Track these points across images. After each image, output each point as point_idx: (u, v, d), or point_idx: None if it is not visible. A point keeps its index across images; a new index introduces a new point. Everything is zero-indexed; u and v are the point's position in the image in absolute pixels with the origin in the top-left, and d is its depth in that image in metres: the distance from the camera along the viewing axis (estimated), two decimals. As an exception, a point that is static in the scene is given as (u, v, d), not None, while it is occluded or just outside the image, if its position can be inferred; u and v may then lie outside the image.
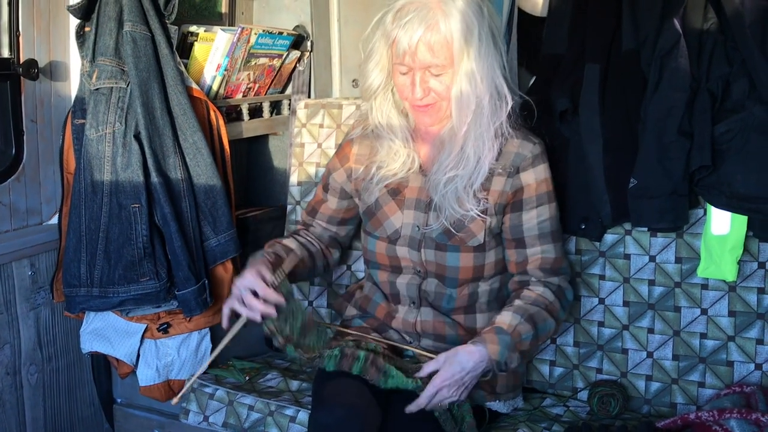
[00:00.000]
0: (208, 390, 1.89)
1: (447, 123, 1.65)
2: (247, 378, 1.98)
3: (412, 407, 1.52)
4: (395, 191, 1.72)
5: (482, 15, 1.55)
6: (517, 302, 1.63)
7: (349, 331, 1.76)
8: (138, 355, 2.02)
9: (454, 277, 1.69)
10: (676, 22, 1.68)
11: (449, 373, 1.51)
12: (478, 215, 1.63)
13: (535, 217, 1.66)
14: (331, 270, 2.01)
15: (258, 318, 1.58)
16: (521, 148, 1.64)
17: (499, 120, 1.61)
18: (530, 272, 1.67)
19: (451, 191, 1.62)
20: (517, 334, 1.55)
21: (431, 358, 1.60)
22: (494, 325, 1.58)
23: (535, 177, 1.65)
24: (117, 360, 2.03)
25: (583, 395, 1.87)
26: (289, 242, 1.80)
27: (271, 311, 1.57)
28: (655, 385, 1.82)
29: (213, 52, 2.03)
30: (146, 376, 2.02)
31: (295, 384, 1.95)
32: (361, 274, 2.07)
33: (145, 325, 1.98)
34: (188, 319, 1.97)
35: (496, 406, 1.72)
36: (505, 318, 1.58)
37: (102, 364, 2.17)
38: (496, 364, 1.53)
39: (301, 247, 1.80)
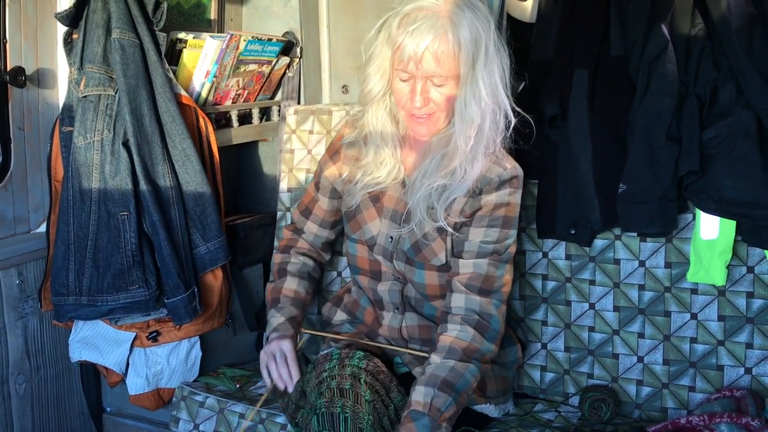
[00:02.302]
0: (199, 398, 1.88)
1: (439, 133, 1.62)
2: (238, 386, 1.97)
3: None
4: (376, 198, 1.72)
5: (489, 28, 1.52)
6: (429, 368, 1.51)
7: (340, 337, 1.76)
8: (127, 364, 2.00)
9: (423, 292, 1.70)
10: (664, 28, 1.69)
11: None
12: (446, 228, 1.59)
13: (480, 236, 1.58)
14: (323, 273, 2.01)
15: (281, 387, 1.65)
16: (489, 171, 1.58)
17: (498, 137, 1.57)
18: (454, 286, 1.58)
19: (424, 198, 1.58)
20: (436, 410, 1.43)
21: (424, 357, 1.62)
22: (410, 408, 1.45)
23: (496, 199, 1.58)
24: (106, 369, 2.01)
25: (575, 400, 1.87)
26: (290, 284, 1.82)
27: (290, 388, 1.65)
28: (645, 390, 1.82)
29: (202, 58, 2.02)
30: (136, 384, 2.00)
31: (285, 391, 1.94)
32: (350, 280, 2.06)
33: (135, 334, 1.97)
34: (178, 327, 1.95)
35: (487, 409, 1.72)
36: (419, 396, 1.45)
37: (91, 373, 2.16)
38: None
39: (301, 280, 1.83)
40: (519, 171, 1.61)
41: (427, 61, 1.48)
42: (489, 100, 1.52)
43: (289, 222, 2.19)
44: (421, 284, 1.67)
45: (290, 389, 1.64)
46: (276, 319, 1.74)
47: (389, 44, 1.54)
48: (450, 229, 1.59)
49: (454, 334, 1.53)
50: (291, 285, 1.81)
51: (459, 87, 1.52)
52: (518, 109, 1.60)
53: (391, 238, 1.69)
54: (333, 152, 1.82)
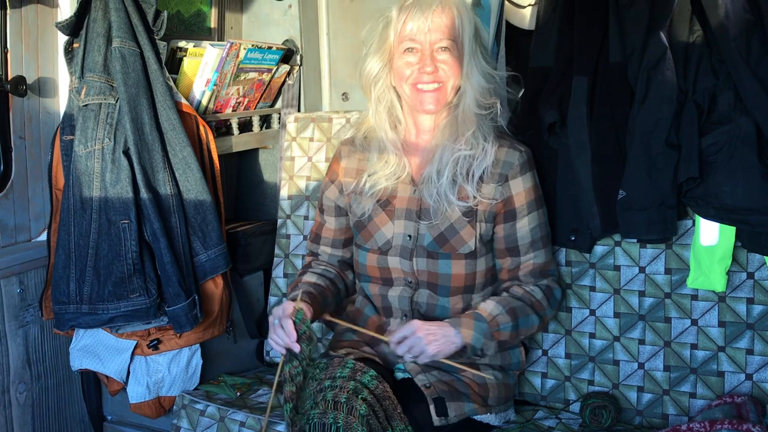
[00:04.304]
0: (199, 406, 1.88)
1: (443, 118, 1.71)
2: (239, 394, 1.97)
3: (392, 339, 1.59)
4: (385, 202, 1.74)
5: (473, 15, 1.68)
6: (503, 295, 1.70)
7: (356, 328, 1.74)
8: (128, 372, 2.00)
9: (446, 285, 1.70)
10: (663, 35, 1.70)
11: (425, 324, 1.58)
12: (479, 198, 1.67)
13: (527, 225, 1.71)
14: (350, 291, 1.94)
15: (281, 351, 1.60)
16: (508, 156, 1.69)
17: (496, 104, 1.69)
18: (521, 278, 1.73)
19: (450, 178, 1.66)
20: (496, 323, 1.62)
21: (426, 366, 1.63)
22: (474, 310, 1.64)
23: (524, 185, 1.70)
24: (107, 377, 2.02)
25: (576, 407, 1.87)
26: (309, 277, 1.81)
27: (292, 346, 1.58)
28: (646, 397, 1.82)
29: (202, 67, 2.03)
30: (136, 393, 2.00)
31: (286, 399, 1.94)
32: (352, 288, 2.07)
33: (135, 342, 1.97)
34: (178, 335, 1.95)
35: (488, 418, 1.72)
36: (487, 306, 1.65)
37: (92, 381, 2.16)
38: (471, 349, 1.60)
39: (321, 276, 1.82)
40: (530, 152, 1.75)
41: (436, 24, 1.63)
42: (486, 69, 1.69)
43: (290, 230, 2.20)
44: (447, 275, 1.69)
45: (294, 348, 1.57)
46: (291, 295, 1.74)
47: (390, 28, 1.68)
48: (486, 200, 1.68)
49: (528, 289, 1.71)
50: (310, 278, 1.81)
51: (460, 59, 1.65)
52: (508, 89, 1.79)
53: (409, 236, 1.70)
54: (331, 172, 1.86)
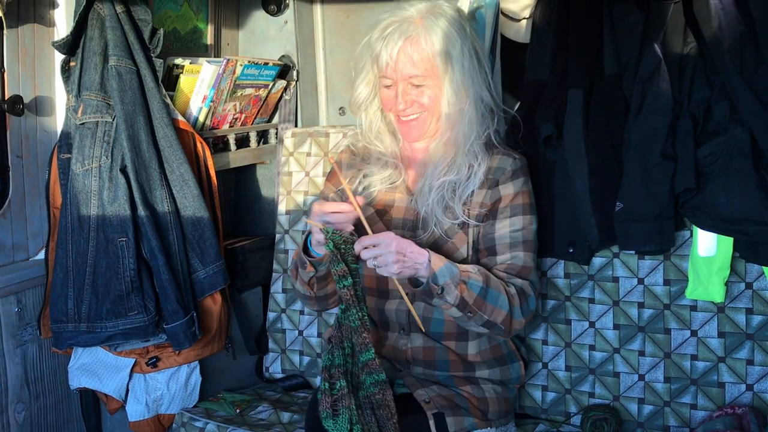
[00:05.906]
0: (198, 424, 1.87)
1: (434, 140, 1.71)
2: (238, 411, 1.96)
3: (364, 240, 1.54)
4: (382, 212, 1.74)
5: (465, 33, 1.65)
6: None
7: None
8: (127, 390, 1.99)
9: None
10: (657, 47, 1.71)
11: (402, 242, 1.53)
12: (469, 221, 1.66)
13: (507, 226, 1.68)
14: None
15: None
16: (501, 162, 1.70)
17: (487, 130, 1.69)
18: (496, 274, 1.66)
19: (438, 201, 1.65)
20: (467, 275, 1.56)
21: (426, 380, 1.63)
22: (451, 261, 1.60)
23: (513, 189, 1.69)
24: (106, 395, 2.01)
25: (577, 420, 1.87)
26: None
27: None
28: (647, 408, 1.81)
29: (199, 83, 2.03)
30: (135, 411, 1.99)
31: (286, 416, 1.93)
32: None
33: (134, 360, 1.96)
34: (177, 352, 1.95)
35: (489, 432, 1.72)
36: (465, 265, 1.60)
37: (91, 399, 2.14)
38: (433, 277, 1.53)
39: None
40: (525, 160, 1.74)
41: (402, 63, 1.61)
42: (470, 97, 1.65)
43: (288, 245, 2.19)
44: None
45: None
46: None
47: (371, 56, 1.67)
48: (473, 221, 1.67)
49: (504, 279, 1.64)
50: None
51: (440, 85, 1.63)
52: (504, 106, 1.77)
53: None
54: (335, 180, 1.85)
